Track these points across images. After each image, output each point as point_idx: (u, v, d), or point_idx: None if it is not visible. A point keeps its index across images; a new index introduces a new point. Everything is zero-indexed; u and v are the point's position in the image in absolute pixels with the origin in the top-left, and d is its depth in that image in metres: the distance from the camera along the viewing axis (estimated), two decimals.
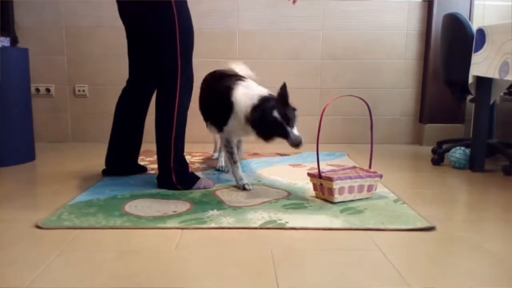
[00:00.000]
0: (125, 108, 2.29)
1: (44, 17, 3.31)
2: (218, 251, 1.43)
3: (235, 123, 2.08)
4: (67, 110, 3.44)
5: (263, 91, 2.06)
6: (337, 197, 1.91)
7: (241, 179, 2.15)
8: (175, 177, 2.08)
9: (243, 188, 2.12)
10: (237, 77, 2.19)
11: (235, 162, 2.18)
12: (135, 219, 1.70)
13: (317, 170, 1.97)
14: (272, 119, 1.91)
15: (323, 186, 1.94)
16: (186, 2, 2.06)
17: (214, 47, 3.37)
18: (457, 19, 2.67)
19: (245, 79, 2.17)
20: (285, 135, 1.93)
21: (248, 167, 2.59)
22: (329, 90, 3.47)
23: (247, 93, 2.05)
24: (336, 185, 1.89)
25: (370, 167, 2.09)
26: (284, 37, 3.38)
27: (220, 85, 2.17)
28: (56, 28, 3.34)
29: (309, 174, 2.04)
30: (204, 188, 2.12)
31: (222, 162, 2.57)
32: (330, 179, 1.89)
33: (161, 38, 2.03)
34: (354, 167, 2.19)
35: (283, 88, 1.98)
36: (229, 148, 2.18)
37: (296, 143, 1.92)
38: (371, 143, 2.10)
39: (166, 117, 2.05)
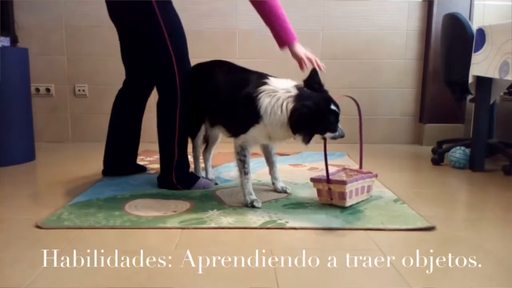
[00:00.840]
0: (121, 108, 2.29)
1: (44, 17, 3.31)
2: (218, 251, 1.43)
3: (259, 132, 1.84)
4: (67, 110, 3.44)
5: (289, 86, 1.80)
6: (348, 201, 1.82)
7: (250, 194, 1.89)
8: (175, 177, 2.08)
9: (251, 205, 1.85)
10: (250, 77, 1.90)
11: (246, 173, 1.90)
12: (135, 219, 1.70)
13: (319, 174, 1.93)
14: (332, 113, 1.76)
15: (331, 190, 1.83)
16: (170, 1, 2.03)
17: (213, 47, 3.37)
18: (457, 19, 2.67)
19: (261, 78, 1.87)
20: (334, 129, 1.79)
21: None
22: (329, 90, 3.45)
23: (277, 98, 1.77)
24: (348, 188, 1.80)
25: (361, 167, 2.03)
26: None
27: (235, 88, 1.89)
28: (56, 28, 3.34)
29: (312, 180, 1.91)
30: (204, 188, 2.12)
31: (211, 173, 2.28)
32: (343, 183, 1.80)
33: (149, 39, 2.00)
34: (344, 169, 2.11)
35: (316, 74, 1.80)
36: (242, 156, 1.89)
37: (343, 135, 1.82)
38: (360, 144, 2.01)
39: (169, 119, 2.04)
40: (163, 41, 1.98)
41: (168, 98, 2.04)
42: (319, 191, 1.91)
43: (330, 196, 1.86)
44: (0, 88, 2.55)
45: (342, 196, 1.81)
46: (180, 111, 2.03)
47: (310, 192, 2.06)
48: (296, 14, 3.37)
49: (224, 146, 2.57)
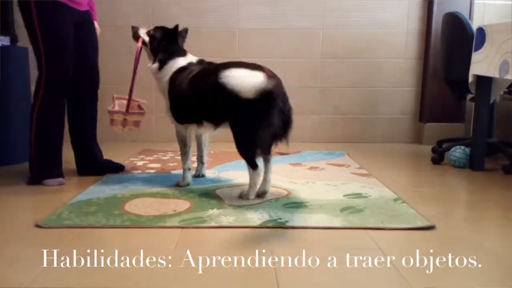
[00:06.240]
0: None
1: None
2: (218, 251, 1.43)
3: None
4: None
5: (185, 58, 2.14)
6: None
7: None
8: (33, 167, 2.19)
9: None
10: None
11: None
12: (135, 218, 1.70)
13: (117, 107, 2.26)
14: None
15: (126, 120, 2.23)
16: (52, 2, 2.06)
17: (213, 46, 3.36)
18: (457, 18, 2.67)
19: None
20: None
21: None
22: (329, 89, 3.46)
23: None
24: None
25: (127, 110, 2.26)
26: (284, 36, 3.38)
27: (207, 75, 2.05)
28: None
29: (110, 112, 2.23)
30: (52, 185, 2.17)
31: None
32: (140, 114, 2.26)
33: (29, 37, 2.10)
34: (119, 98, 2.33)
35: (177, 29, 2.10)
36: None
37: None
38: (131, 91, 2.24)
39: (31, 111, 2.16)
40: (36, 43, 2.08)
41: (35, 92, 2.14)
42: (114, 121, 2.26)
43: (124, 125, 2.25)
44: (0, 88, 2.55)
45: (137, 124, 2.28)
46: (39, 109, 2.13)
47: (310, 192, 2.06)
48: (296, 13, 3.36)
49: (225, 145, 2.58)
